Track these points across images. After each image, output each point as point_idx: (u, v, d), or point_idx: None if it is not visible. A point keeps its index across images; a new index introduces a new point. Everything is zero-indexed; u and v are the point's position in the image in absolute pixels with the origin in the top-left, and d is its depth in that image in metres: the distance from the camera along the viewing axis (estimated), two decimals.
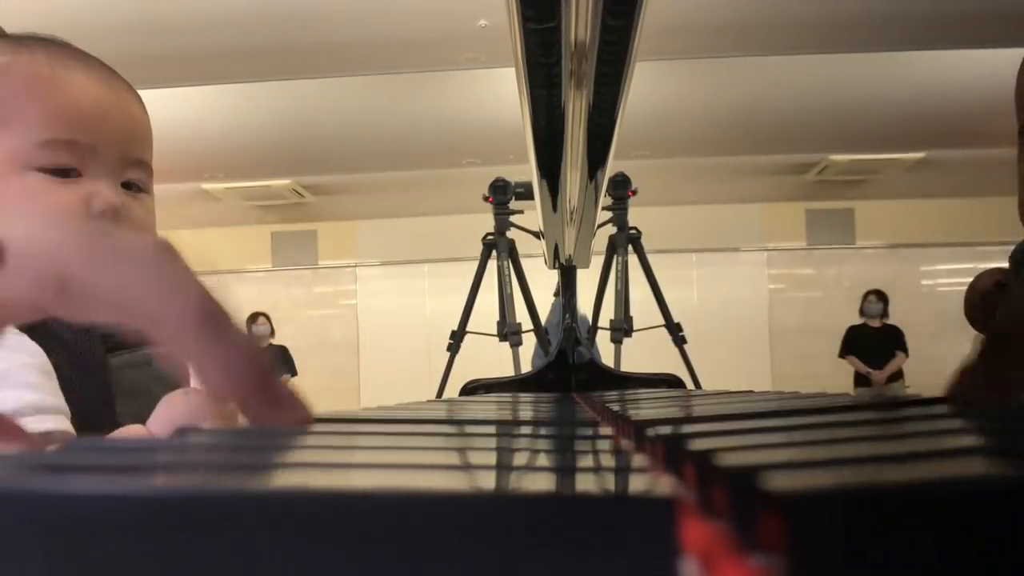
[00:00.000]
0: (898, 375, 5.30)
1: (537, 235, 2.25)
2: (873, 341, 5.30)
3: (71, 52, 0.58)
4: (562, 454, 0.25)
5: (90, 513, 0.14)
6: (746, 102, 4.53)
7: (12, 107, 0.54)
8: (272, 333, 5.40)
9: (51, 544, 0.14)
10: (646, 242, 2.39)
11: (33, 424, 0.45)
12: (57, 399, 0.50)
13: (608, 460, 0.23)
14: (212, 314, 0.24)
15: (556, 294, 2.87)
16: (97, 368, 0.58)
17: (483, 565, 0.13)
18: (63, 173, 0.54)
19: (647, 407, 0.43)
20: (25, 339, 0.51)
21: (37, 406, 0.48)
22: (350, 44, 3.56)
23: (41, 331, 0.53)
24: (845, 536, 0.13)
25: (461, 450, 0.26)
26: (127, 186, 0.59)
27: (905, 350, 5.29)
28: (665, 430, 0.25)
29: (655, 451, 0.25)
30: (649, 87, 4.03)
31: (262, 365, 0.25)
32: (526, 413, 0.49)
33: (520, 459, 0.24)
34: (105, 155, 0.56)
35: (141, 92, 0.75)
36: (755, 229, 6.87)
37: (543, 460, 0.23)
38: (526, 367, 2.31)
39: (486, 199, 2.41)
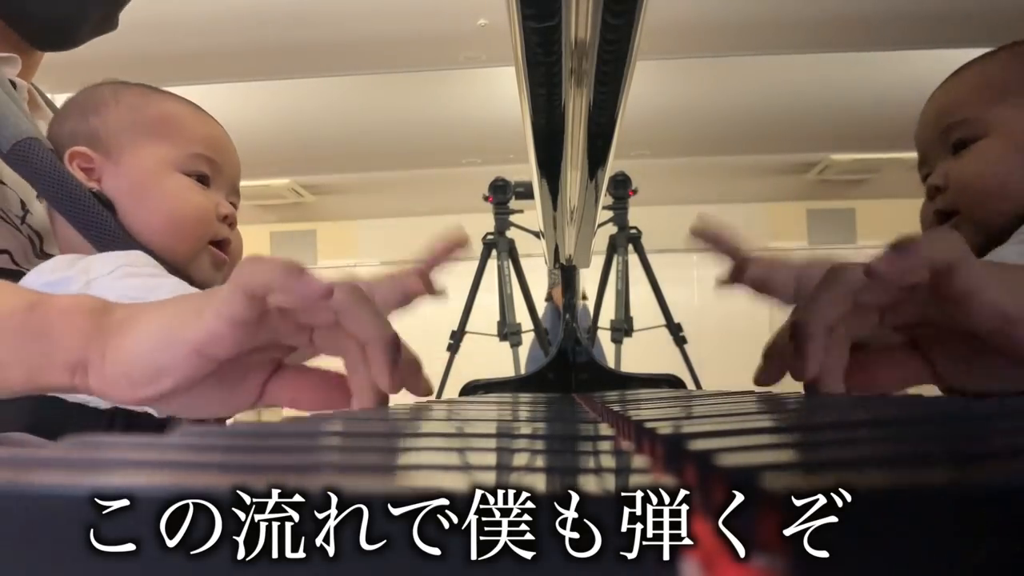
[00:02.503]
0: None
1: (537, 235, 2.26)
2: None
3: (194, 102, 0.77)
4: (562, 454, 0.25)
5: (89, 512, 0.14)
6: (746, 102, 4.52)
7: (172, 127, 0.72)
8: None
9: (51, 544, 0.14)
10: (647, 242, 2.39)
11: None
12: None
13: (608, 460, 0.23)
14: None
15: (547, 299, 2.86)
16: None
17: (483, 564, 0.13)
18: (200, 180, 0.71)
19: (647, 407, 0.43)
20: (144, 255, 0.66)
21: None
22: (350, 44, 3.56)
23: None
24: (845, 536, 0.12)
25: (461, 450, 0.26)
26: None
27: None
28: (665, 430, 0.25)
29: (655, 451, 0.25)
30: (649, 87, 4.03)
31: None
32: (526, 413, 0.49)
33: (520, 459, 0.23)
34: (225, 177, 0.74)
35: None
36: (756, 229, 6.87)
37: (543, 460, 0.23)
38: None
39: (486, 199, 2.41)
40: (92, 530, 0.14)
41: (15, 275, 0.64)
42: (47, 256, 0.70)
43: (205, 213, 0.70)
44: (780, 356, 0.45)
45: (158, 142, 0.71)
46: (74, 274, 0.60)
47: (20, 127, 0.65)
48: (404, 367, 0.43)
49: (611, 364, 2.21)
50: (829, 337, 0.42)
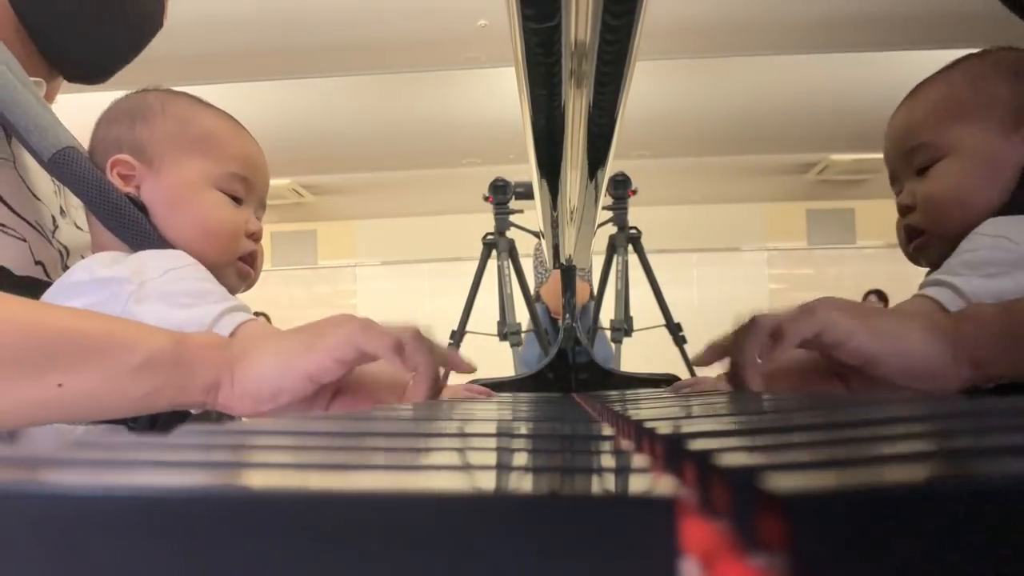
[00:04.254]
0: None
1: (537, 235, 2.25)
2: None
3: (235, 118, 0.80)
4: (562, 454, 0.25)
5: (90, 512, 0.14)
6: (746, 102, 4.53)
7: (213, 145, 0.76)
8: None
9: (51, 544, 0.14)
10: (646, 242, 2.39)
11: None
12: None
13: (608, 460, 0.23)
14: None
15: (536, 299, 2.84)
16: None
17: (483, 565, 0.13)
18: (235, 199, 0.76)
19: (647, 407, 0.43)
20: (182, 253, 0.70)
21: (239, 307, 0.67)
22: (350, 44, 3.56)
23: None
24: (845, 536, 0.12)
25: (461, 450, 0.26)
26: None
27: None
28: (665, 430, 0.25)
29: (655, 451, 0.25)
30: (649, 87, 4.03)
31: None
32: (526, 413, 0.49)
33: (520, 459, 0.24)
34: (256, 194, 0.78)
35: None
36: (756, 229, 6.87)
37: (543, 460, 0.23)
38: None
39: (486, 199, 2.41)
40: (93, 530, 0.14)
41: (47, 286, 0.69)
42: None
43: (235, 230, 0.76)
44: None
45: (199, 158, 0.75)
46: (127, 275, 0.65)
47: (59, 137, 0.70)
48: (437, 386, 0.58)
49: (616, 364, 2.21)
50: (755, 365, 0.56)
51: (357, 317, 0.56)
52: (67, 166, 0.69)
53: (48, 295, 0.67)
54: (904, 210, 0.80)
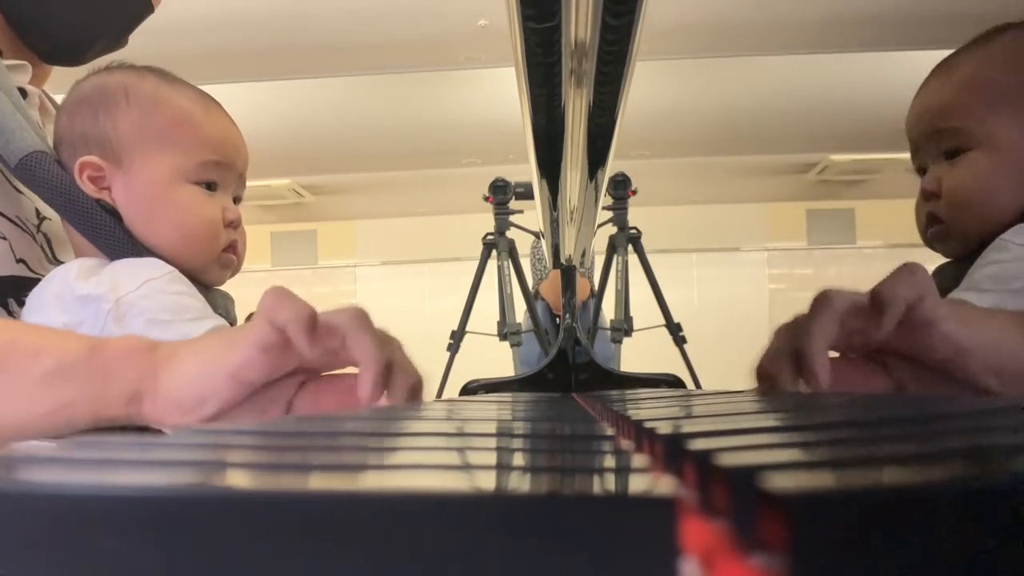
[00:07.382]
0: None
1: (537, 235, 2.26)
2: None
3: (205, 93, 0.74)
4: (562, 454, 0.25)
5: (90, 512, 0.14)
6: (746, 102, 4.52)
7: (182, 133, 0.70)
8: None
9: (51, 544, 0.14)
10: (646, 242, 2.39)
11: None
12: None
13: (608, 460, 0.23)
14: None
15: (536, 296, 2.84)
16: None
17: (483, 565, 0.13)
18: (208, 186, 0.70)
19: (647, 407, 0.43)
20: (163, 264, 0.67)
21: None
22: (350, 44, 3.56)
23: None
24: (845, 536, 0.12)
25: (461, 450, 0.26)
26: (235, 199, 0.75)
27: None
28: (665, 430, 0.25)
29: (655, 451, 0.25)
30: (649, 87, 4.03)
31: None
32: (526, 413, 0.49)
33: (520, 459, 0.24)
34: (233, 173, 0.73)
35: None
36: (755, 229, 6.87)
37: (543, 460, 0.23)
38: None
39: (486, 199, 2.41)
40: (92, 530, 0.14)
41: (32, 282, 0.67)
42: (59, 262, 0.72)
43: (214, 228, 0.71)
44: (770, 375, 0.50)
45: (168, 150, 0.70)
46: (103, 291, 0.62)
47: (27, 141, 0.66)
48: (405, 386, 0.48)
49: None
50: (826, 354, 0.47)
51: (295, 297, 0.46)
52: (34, 172, 0.66)
53: (29, 305, 0.65)
54: (927, 195, 0.74)
